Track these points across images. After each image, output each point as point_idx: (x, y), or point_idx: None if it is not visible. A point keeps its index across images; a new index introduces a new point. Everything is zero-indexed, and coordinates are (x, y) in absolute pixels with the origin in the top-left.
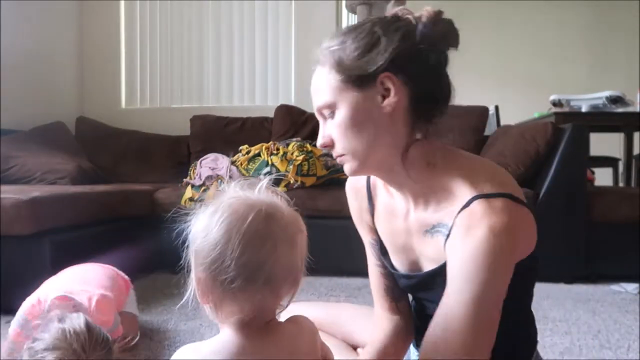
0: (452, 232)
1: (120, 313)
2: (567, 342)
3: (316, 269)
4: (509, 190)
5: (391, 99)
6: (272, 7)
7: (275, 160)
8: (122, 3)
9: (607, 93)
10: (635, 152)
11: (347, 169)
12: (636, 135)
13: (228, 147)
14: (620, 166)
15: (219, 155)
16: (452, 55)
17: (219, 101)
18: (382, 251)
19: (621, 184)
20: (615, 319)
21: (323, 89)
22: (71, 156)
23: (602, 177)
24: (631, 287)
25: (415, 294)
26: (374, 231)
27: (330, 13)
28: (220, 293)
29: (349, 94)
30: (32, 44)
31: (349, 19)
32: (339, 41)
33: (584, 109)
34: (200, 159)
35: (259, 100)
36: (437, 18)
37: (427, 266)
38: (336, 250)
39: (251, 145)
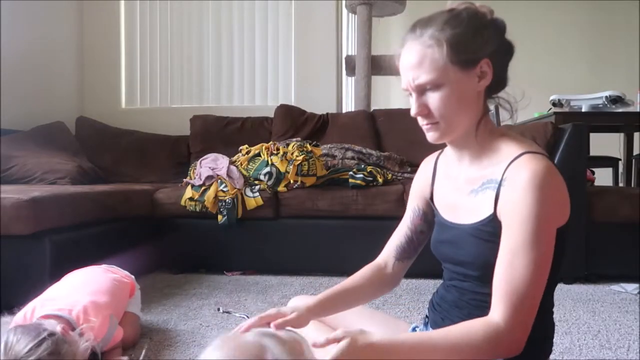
0: (505, 183)
1: (123, 314)
2: (567, 342)
3: (316, 269)
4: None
5: (485, 81)
6: (272, 7)
7: (275, 160)
8: (122, 3)
9: (607, 93)
10: (635, 152)
11: (432, 136)
12: (636, 135)
13: (228, 147)
14: (620, 166)
15: (219, 155)
16: None
17: (219, 101)
18: (426, 214)
19: (621, 184)
20: (615, 319)
21: (429, 67)
22: (71, 156)
23: (602, 177)
24: (631, 287)
25: (446, 251)
26: (424, 199)
27: (330, 13)
28: None
29: (455, 73)
30: (32, 44)
31: (349, 19)
32: (440, 27)
33: (584, 109)
34: (200, 159)
35: (259, 100)
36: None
37: (467, 220)
38: (336, 251)
39: (251, 145)
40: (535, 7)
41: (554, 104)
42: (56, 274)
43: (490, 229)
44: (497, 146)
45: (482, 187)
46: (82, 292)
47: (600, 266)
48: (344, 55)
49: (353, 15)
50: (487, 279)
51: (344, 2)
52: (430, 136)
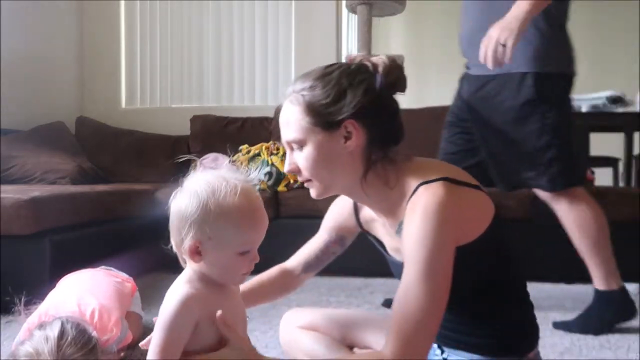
0: (404, 220)
1: (127, 314)
2: (567, 342)
3: None
4: (450, 175)
5: (352, 142)
6: (272, 7)
7: (275, 160)
8: (122, 3)
9: (607, 93)
10: (635, 152)
11: (312, 193)
12: (636, 135)
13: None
14: (620, 166)
15: (219, 155)
16: (454, 55)
17: (219, 101)
18: (344, 238)
19: (621, 184)
20: None
21: (293, 126)
22: (71, 156)
23: (602, 177)
24: (631, 287)
25: None
26: (345, 228)
27: (330, 13)
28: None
29: (317, 134)
30: (32, 44)
31: (349, 19)
32: (309, 86)
33: (584, 109)
34: (201, 159)
35: (259, 100)
36: (391, 68)
37: (401, 258)
38: None
39: (251, 145)
40: None
41: None
42: (56, 274)
43: None
44: (398, 187)
45: (399, 228)
46: (91, 295)
47: None
48: (344, 55)
49: (353, 15)
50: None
51: (344, 2)
52: (311, 192)
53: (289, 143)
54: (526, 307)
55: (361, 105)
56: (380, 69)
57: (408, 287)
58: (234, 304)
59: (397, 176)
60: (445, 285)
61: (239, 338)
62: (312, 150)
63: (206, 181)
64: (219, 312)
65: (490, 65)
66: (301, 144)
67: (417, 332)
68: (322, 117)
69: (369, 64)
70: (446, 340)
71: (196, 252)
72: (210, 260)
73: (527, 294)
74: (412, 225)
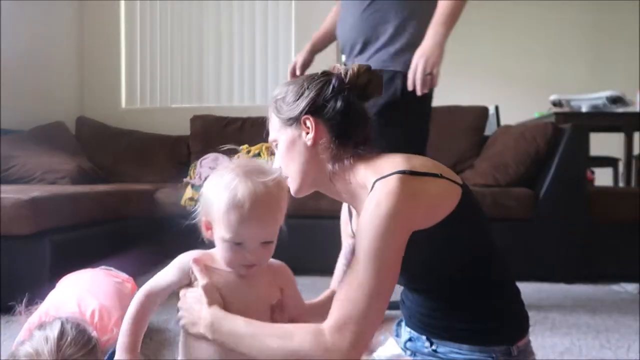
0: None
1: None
2: (567, 342)
3: (316, 269)
4: (408, 167)
5: (310, 135)
6: (272, 7)
7: None
8: (122, 3)
9: (607, 93)
10: (635, 152)
11: (290, 189)
12: (636, 135)
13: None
14: (620, 166)
15: (219, 155)
16: (454, 54)
17: (219, 101)
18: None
19: (621, 184)
20: (615, 319)
21: (271, 129)
22: (71, 156)
23: (602, 177)
24: (631, 287)
25: None
26: (351, 236)
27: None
28: None
29: (284, 131)
30: (32, 44)
31: None
32: (282, 92)
33: (584, 109)
34: (200, 159)
35: (259, 100)
36: (359, 74)
37: None
38: (337, 251)
39: (251, 145)
40: (535, 6)
41: (554, 104)
42: (56, 274)
43: None
44: (363, 184)
45: None
46: (91, 295)
47: (600, 266)
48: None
49: None
50: (428, 294)
51: None
52: (291, 191)
53: (271, 144)
54: (511, 294)
55: (314, 102)
56: (348, 73)
57: (354, 269)
58: (249, 290)
59: (364, 173)
60: (391, 269)
61: (205, 282)
62: (282, 145)
63: (223, 170)
64: (194, 256)
65: (419, 91)
66: (276, 142)
67: (358, 311)
68: (286, 115)
69: (340, 71)
70: (434, 331)
71: (207, 227)
72: (216, 240)
73: (512, 281)
74: (363, 217)
